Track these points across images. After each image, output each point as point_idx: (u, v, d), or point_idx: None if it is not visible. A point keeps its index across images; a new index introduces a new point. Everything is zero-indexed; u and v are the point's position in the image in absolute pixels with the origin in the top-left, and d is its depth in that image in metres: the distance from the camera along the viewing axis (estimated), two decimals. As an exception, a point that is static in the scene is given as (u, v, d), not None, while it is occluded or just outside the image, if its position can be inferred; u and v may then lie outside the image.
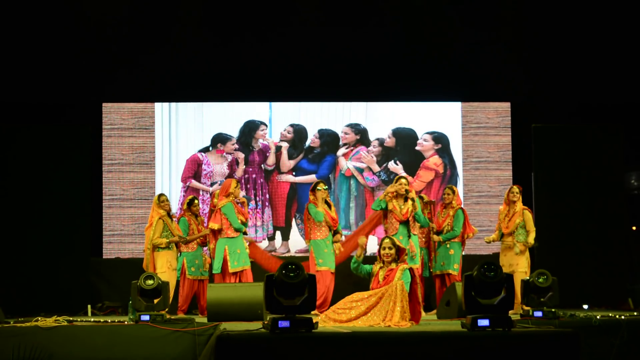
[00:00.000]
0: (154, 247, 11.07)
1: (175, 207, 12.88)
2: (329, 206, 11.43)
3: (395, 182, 11.08)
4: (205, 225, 11.57)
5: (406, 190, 10.95)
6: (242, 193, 13.10)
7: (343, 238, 11.77)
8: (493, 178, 13.74)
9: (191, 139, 13.56)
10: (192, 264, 11.41)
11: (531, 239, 11.23)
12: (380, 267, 9.23)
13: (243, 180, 13.43)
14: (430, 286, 11.93)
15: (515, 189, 11.42)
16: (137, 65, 13.28)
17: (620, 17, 13.22)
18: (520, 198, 11.39)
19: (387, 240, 9.31)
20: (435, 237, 11.54)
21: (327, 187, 11.44)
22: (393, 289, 8.89)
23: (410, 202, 10.94)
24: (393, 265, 9.17)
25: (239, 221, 11.07)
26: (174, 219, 11.40)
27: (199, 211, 11.73)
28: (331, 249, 11.33)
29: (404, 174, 13.32)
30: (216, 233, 11.15)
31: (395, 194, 10.97)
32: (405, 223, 10.96)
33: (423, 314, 10.77)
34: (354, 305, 8.97)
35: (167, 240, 11.06)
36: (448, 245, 11.54)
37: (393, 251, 9.22)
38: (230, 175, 13.29)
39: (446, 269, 11.48)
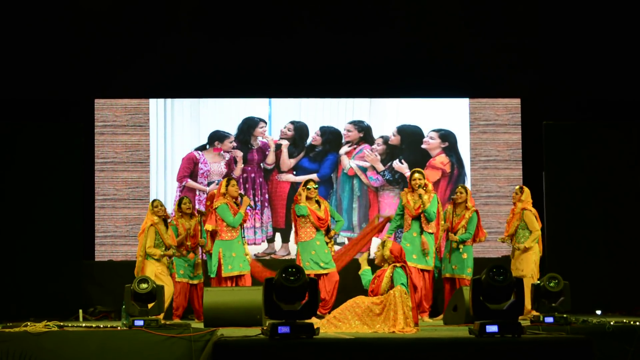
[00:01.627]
0: (146, 255, 10.89)
1: (170, 208, 12.72)
2: (319, 205, 11.23)
3: (410, 178, 11.15)
4: (196, 225, 11.50)
5: (419, 186, 11.02)
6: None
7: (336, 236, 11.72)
8: (502, 178, 13.56)
9: (187, 136, 13.44)
10: (180, 267, 11.29)
11: (530, 241, 11.00)
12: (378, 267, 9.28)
13: (241, 180, 13.30)
14: (438, 290, 11.74)
15: (517, 189, 11.32)
16: (130, 59, 13.19)
17: (637, 9, 13.10)
18: (521, 198, 11.20)
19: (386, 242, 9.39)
20: (453, 237, 11.31)
21: (317, 186, 11.31)
22: (392, 297, 8.82)
23: (419, 197, 10.99)
24: (385, 266, 9.16)
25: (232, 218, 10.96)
26: (169, 223, 11.26)
27: (192, 210, 11.60)
28: (324, 249, 11.09)
29: (408, 173, 13.08)
30: (213, 235, 11.07)
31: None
32: (417, 219, 11.01)
33: (428, 320, 10.99)
34: (357, 312, 8.90)
35: (161, 253, 10.91)
36: (461, 249, 11.29)
37: (379, 252, 9.29)
38: (227, 175, 13.16)
39: (459, 273, 11.27)
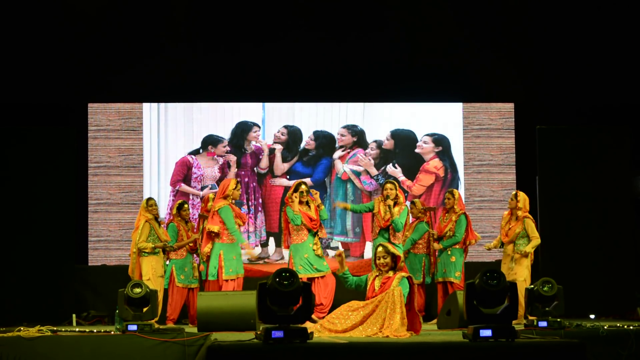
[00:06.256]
0: (139, 252, 10.85)
1: (164, 212, 12.80)
2: (309, 206, 11.05)
3: (383, 188, 11.11)
4: (195, 230, 11.41)
5: (394, 195, 10.94)
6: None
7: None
8: (496, 182, 13.58)
9: (180, 140, 13.43)
10: (181, 271, 11.20)
11: (530, 247, 10.99)
12: (376, 276, 9.06)
13: (235, 184, 13.18)
14: (432, 294, 11.77)
15: (519, 195, 11.19)
16: (124, 64, 13.16)
17: (628, 15, 13.10)
18: (518, 205, 11.13)
19: (380, 249, 9.08)
20: (436, 245, 11.47)
21: (308, 190, 11.08)
22: (390, 295, 8.73)
23: (388, 208, 10.88)
24: (390, 274, 8.98)
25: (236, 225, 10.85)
26: (162, 225, 11.20)
27: (189, 216, 11.48)
28: (312, 253, 10.92)
29: (402, 177, 13.32)
30: (212, 237, 10.90)
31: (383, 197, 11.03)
32: (386, 230, 10.96)
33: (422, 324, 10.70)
34: (350, 315, 8.83)
35: (152, 245, 10.85)
36: (449, 252, 11.40)
37: (388, 259, 8.99)
38: (221, 179, 13.08)
39: (447, 276, 11.36)
